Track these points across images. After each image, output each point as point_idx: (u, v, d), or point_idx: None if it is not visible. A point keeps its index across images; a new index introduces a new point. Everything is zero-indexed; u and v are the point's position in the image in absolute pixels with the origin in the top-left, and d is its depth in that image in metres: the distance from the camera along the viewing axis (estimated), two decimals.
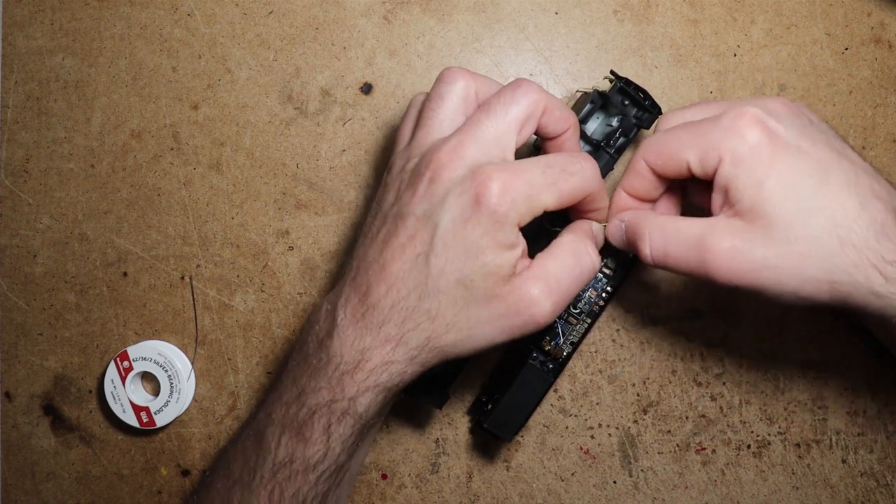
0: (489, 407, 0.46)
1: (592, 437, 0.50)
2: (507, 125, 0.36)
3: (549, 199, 0.36)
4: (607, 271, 0.46)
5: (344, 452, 0.37)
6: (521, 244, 0.36)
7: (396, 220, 0.36)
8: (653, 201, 0.42)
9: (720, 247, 0.34)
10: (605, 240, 0.42)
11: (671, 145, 0.38)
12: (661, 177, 0.40)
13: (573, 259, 0.37)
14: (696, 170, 0.37)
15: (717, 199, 0.36)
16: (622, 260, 0.46)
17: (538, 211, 0.35)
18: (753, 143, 0.34)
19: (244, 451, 0.38)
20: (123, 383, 0.49)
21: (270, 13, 0.50)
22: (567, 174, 0.36)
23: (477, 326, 0.36)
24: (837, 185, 0.34)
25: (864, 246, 0.33)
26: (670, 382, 0.50)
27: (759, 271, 0.34)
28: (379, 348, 0.35)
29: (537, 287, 0.35)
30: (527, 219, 0.35)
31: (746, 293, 0.35)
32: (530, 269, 0.36)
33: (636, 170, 0.40)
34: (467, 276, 0.35)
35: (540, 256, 0.37)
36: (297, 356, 0.39)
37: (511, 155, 0.36)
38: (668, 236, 0.37)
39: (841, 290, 0.34)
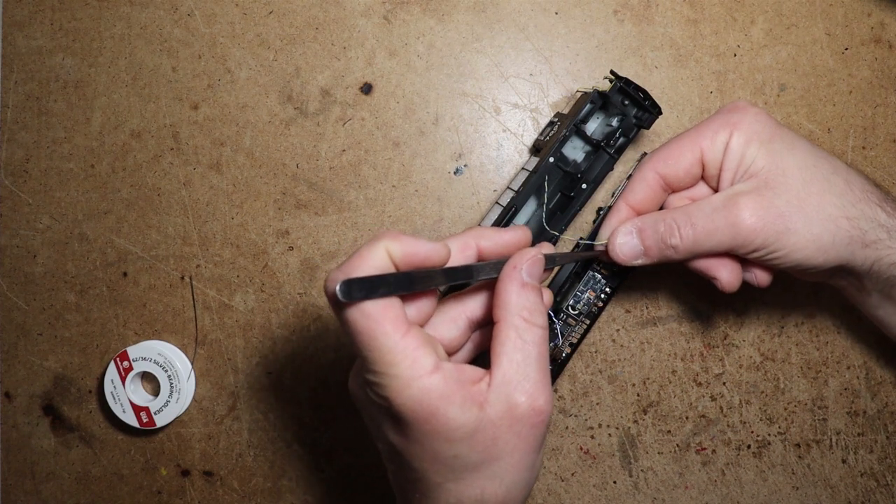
0: None
1: (592, 437, 0.50)
2: (389, 351, 0.31)
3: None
4: (606, 272, 0.46)
5: None
6: (458, 391, 0.32)
7: (383, 453, 0.37)
8: None
9: (745, 202, 0.37)
10: (582, 251, 0.42)
11: (681, 144, 0.40)
12: (667, 185, 0.41)
13: (524, 345, 0.34)
14: (709, 154, 0.39)
15: (727, 176, 0.39)
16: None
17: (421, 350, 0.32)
18: (755, 112, 0.39)
19: None
20: (123, 383, 0.49)
21: (270, 13, 0.50)
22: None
23: (509, 478, 0.34)
24: (823, 150, 0.40)
25: (863, 188, 0.39)
26: (670, 382, 0.50)
27: (784, 217, 0.37)
28: None
29: (523, 401, 0.33)
30: (426, 363, 0.32)
31: (769, 253, 0.38)
32: (496, 388, 0.33)
33: (644, 180, 0.41)
34: (450, 455, 0.33)
35: (493, 365, 0.34)
36: None
37: (411, 359, 0.32)
38: (692, 214, 0.38)
39: (858, 227, 0.38)
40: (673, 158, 0.40)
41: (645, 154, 0.47)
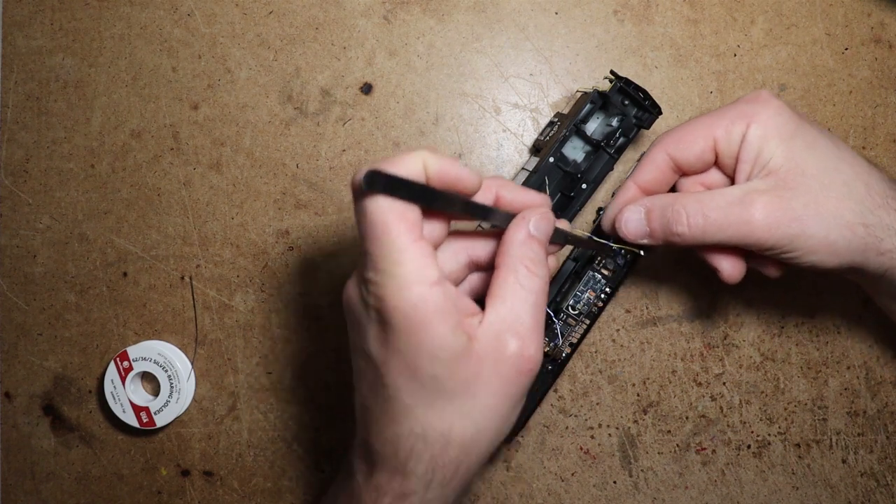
0: None
1: (592, 437, 0.50)
2: (396, 250, 0.31)
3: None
4: (606, 272, 0.46)
5: None
6: (452, 313, 0.31)
7: (353, 361, 0.35)
8: None
9: (761, 201, 0.36)
10: (595, 240, 0.42)
11: (695, 129, 0.39)
12: (678, 168, 0.40)
13: (522, 291, 0.33)
14: (723, 144, 0.38)
15: (743, 169, 0.38)
16: (620, 260, 0.46)
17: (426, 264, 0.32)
18: (777, 105, 0.38)
19: None
20: (123, 383, 0.49)
21: (270, 13, 0.50)
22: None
23: (481, 421, 0.33)
24: (847, 148, 0.39)
25: (884, 193, 0.37)
26: (670, 382, 0.50)
27: (800, 220, 0.36)
28: (388, 483, 0.33)
29: (513, 343, 0.32)
30: (429, 275, 0.31)
31: (781, 253, 0.37)
32: (487, 326, 0.33)
33: (654, 161, 0.40)
34: (426, 375, 0.32)
35: (488, 305, 0.33)
36: (332, 492, 0.38)
37: (414, 264, 0.31)
38: (705, 203, 0.38)
39: (874, 235, 0.37)
40: (685, 143, 0.39)
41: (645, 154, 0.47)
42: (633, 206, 0.40)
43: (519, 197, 0.36)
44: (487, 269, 0.37)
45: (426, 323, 0.31)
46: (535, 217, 0.35)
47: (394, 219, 0.30)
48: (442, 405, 0.32)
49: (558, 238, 0.37)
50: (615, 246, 0.43)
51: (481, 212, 0.34)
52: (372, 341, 0.32)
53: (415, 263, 0.31)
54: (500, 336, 0.32)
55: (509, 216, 0.35)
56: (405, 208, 0.31)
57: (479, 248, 0.37)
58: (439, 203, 0.32)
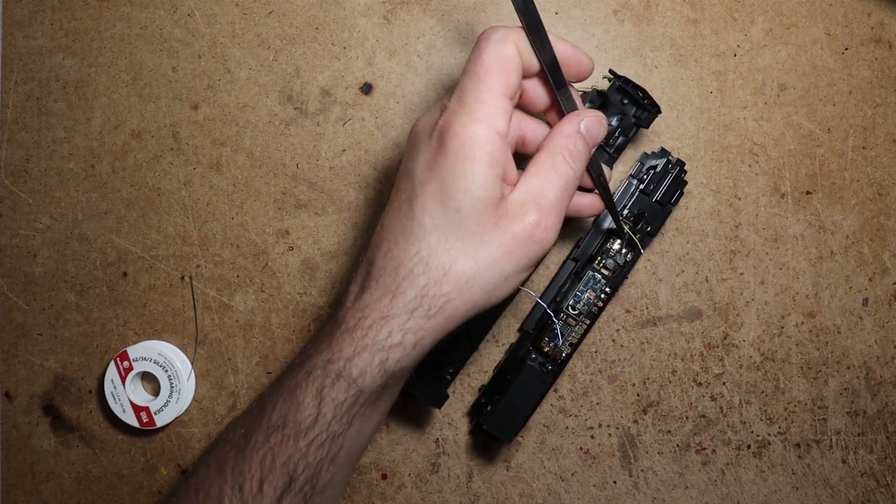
0: (488, 408, 0.46)
1: (592, 437, 0.50)
2: (487, 91, 0.35)
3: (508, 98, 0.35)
4: (606, 272, 0.46)
5: (336, 421, 0.35)
6: (500, 165, 0.35)
7: (393, 188, 0.38)
8: None
9: None
10: (613, 206, 0.43)
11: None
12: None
13: (555, 174, 0.36)
14: None
15: None
16: (620, 259, 0.46)
17: (503, 115, 0.35)
18: None
19: (249, 415, 0.38)
20: (123, 383, 0.49)
21: (270, 13, 0.50)
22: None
23: (482, 268, 0.35)
24: None
25: None
26: (670, 382, 0.50)
27: None
28: (377, 302, 0.35)
29: (533, 212, 0.35)
30: (499, 125, 0.35)
31: None
32: (517, 192, 0.35)
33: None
34: (453, 207, 0.34)
35: (522, 178, 0.36)
36: (317, 328, 0.39)
37: (494, 109, 0.35)
38: None
39: None
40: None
41: (645, 154, 0.47)
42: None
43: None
44: (524, 154, 0.39)
45: (476, 159, 0.34)
46: (589, 117, 0.37)
47: (500, 69, 0.34)
48: (454, 240, 0.34)
49: (595, 167, 0.40)
50: (626, 229, 0.45)
51: (558, 80, 0.37)
52: (421, 162, 0.35)
53: (494, 109, 0.34)
54: (525, 203, 0.35)
55: (572, 103, 0.38)
56: (514, 69, 0.35)
57: (529, 124, 0.39)
58: (546, 66, 0.36)
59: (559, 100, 0.37)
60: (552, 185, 0.36)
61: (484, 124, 0.34)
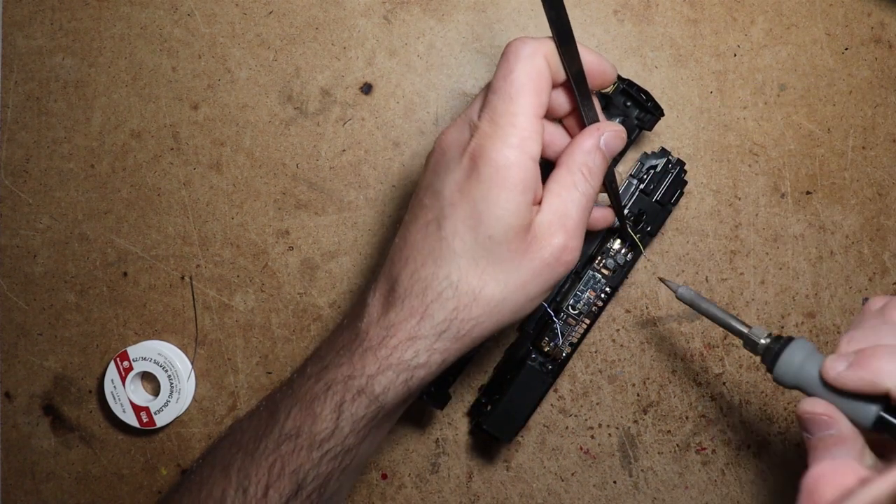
0: (488, 408, 0.46)
1: (592, 437, 0.50)
2: (521, 114, 0.34)
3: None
4: (606, 272, 0.46)
5: (353, 434, 0.35)
6: (532, 190, 0.34)
7: (414, 201, 0.37)
8: None
9: None
10: (622, 212, 0.43)
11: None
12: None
13: (576, 191, 0.36)
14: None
15: None
16: (620, 259, 0.46)
17: (537, 148, 0.34)
18: None
19: (257, 418, 0.38)
20: (123, 383, 0.49)
21: (270, 13, 0.50)
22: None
23: (511, 292, 0.35)
24: None
25: None
26: (670, 382, 0.50)
27: None
28: (403, 322, 0.35)
29: (560, 234, 0.35)
30: (533, 150, 0.34)
31: None
32: (543, 214, 0.35)
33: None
34: (485, 233, 0.34)
35: (544, 195, 0.36)
36: (329, 337, 0.38)
37: (528, 133, 0.34)
38: None
39: None
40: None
41: (645, 154, 0.47)
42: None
43: (601, 117, 0.38)
44: (548, 156, 0.39)
45: (510, 186, 0.33)
46: (609, 132, 0.37)
47: (532, 89, 0.34)
48: (485, 265, 0.34)
49: (609, 176, 0.39)
50: (636, 238, 0.45)
51: (588, 103, 0.37)
52: (450, 183, 0.34)
53: (527, 132, 0.34)
54: (552, 225, 0.35)
55: (593, 113, 0.38)
56: (546, 88, 0.34)
57: (548, 134, 0.38)
58: (573, 76, 0.35)
59: (581, 111, 0.37)
60: (574, 203, 0.35)
61: (517, 150, 0.33)
